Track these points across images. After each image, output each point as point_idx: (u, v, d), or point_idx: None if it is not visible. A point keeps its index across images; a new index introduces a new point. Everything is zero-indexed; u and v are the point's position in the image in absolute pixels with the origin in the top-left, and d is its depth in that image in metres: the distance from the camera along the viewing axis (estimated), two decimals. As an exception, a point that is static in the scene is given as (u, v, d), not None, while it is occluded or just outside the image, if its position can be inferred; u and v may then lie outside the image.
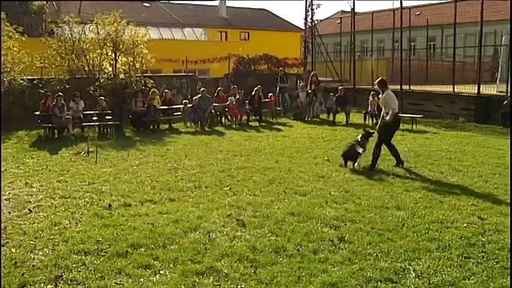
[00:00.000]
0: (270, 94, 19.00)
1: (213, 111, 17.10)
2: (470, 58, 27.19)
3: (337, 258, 5.17)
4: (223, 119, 17.68)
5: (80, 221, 6.46)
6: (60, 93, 14.84)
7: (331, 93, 18.97)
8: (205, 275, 4.80)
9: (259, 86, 18.48)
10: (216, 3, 42.48)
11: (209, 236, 5.88)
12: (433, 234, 5.88)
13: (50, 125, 14.39)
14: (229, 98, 17.59)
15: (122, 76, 17.20)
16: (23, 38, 16.40)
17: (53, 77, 16.73)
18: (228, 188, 8.18)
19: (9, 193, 7.89)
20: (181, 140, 13.89)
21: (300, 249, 5.45)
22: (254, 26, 39.77)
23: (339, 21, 31.48)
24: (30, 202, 7.40)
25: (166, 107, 16.78)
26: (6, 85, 15.30)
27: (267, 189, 8.05)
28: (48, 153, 11.78)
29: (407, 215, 6.60)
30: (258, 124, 17.36)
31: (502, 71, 19.14)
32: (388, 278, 4.70)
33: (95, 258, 5.20)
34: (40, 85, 16.46)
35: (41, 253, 5.36)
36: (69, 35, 17.20)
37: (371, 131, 10.18)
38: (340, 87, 18.85)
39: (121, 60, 17.34)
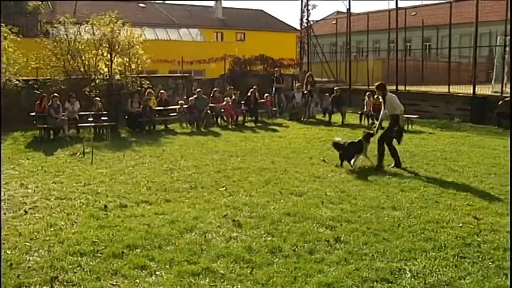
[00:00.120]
0: (266, 95, 18.99)
1: (209, 111, 17.09)
2: (466, 58, 27.35)
3: (333, 259, 5.18)
4: (219, 119, 17.67)
5: (75, 222, 6.43)
6: (55, 94, 14.80)
7: (326, 94, 19.03)
8: (201, 276, 4.79)
9: (255, 87, 18.49)
10: (212, 3, 42.52)
11: (205, 236, 5.87)
12: (428, 234, 5.89)
13: (46, 126, 14.35)
14: (225, 99, 17.58)
15: (117, 77, 17.10)
16: (18, 39, 16.34)
17: (49, 77, 16.62)
18: (224, 188, 8.17)
19: (5, 194, 7.84)
20: (177, 140, 13.87)
21: (296, 249, 5.45)
22: (250, 26, 39.80)
23: (334, 22, 31.63)
24: (26, 203, 7.36)
25: (162, 108, 16.77)
26: (2, 86, 15.22)
27: (263, 190, 8.05)
28: (44, 154, 11.73)
29: (403, 215, 6.62)
30: (254, 125, 17.35)
31: (497, 71, 19.22)
32: (384, 278, 4.71)
33: (91, 259, 5.19)
34: (35, 86, 16.35)
35: (36, 254, 5.34)
36: (65, 36, 17.09)
37: (371, 132, 10.21)
38: (336, 88, 18.86)
39: (117, 61, 17.27)
